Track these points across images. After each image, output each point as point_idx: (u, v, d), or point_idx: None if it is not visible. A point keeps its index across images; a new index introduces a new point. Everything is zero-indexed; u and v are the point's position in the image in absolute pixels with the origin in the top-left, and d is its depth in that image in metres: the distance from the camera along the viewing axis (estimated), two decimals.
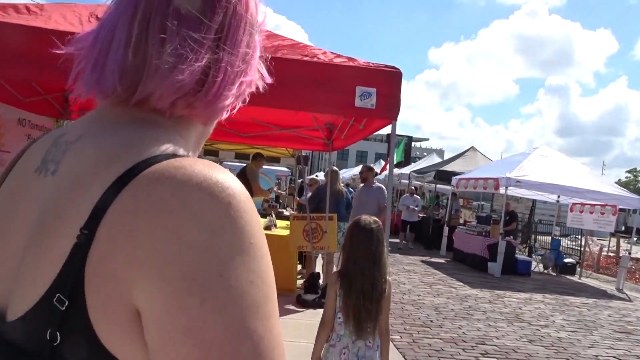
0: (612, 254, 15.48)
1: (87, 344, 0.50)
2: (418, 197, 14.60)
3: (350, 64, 3.15)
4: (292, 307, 5.99)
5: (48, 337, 0.50)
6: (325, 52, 3.29)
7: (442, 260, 12.59)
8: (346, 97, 3.10)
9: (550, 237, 13.83)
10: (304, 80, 3.05)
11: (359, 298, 2.43)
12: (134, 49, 0.58)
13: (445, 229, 13.94)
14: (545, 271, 12.55)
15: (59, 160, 0.60)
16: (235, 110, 0.69)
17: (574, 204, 12.69)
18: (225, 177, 0.53)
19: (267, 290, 0.52)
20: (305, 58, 3.06)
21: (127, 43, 0.59)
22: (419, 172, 17.63)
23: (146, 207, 0.50)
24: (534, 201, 15.88)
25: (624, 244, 14.88)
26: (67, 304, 0.50)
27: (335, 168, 7.69)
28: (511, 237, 11.98)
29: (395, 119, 3.21)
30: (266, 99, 3.15)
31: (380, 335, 2.58)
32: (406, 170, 19.06)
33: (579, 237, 14.12)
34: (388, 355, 2.64)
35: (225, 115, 0.68)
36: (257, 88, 0.70)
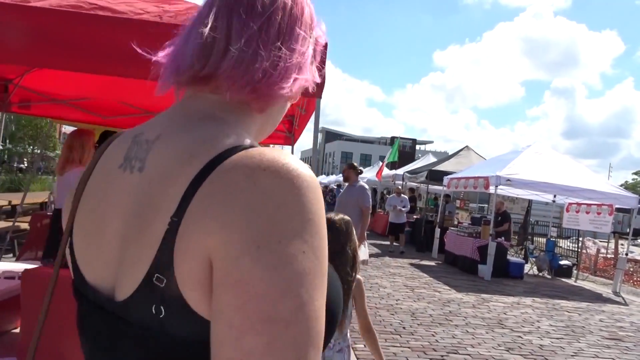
0: (611, 256, 14.92)
1: (183, 311, 0.58)
2: (406, 197, 14.00)
3: None
4: None
5: (154, 312, 0.59)
6: None
7: (432, 263, 12.09)
8: None
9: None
10: None
11: None
12: (209, 36, 0.70)
13: (437, 231, 13.44)
14: (540, 274, 12.03)
15: (144, 158, 0.68)
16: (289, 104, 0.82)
17: (570, 203, 12.19)
18: (290, 161, 0.60)
19: (317, 265, 0.57)
20: None
21: (202, 31, 0.70)
22: (412, 172, 17.14)
23: (221, 189, 0.58)
24: (529, 201, 15.35)
25: (624, 246, 14.31)
26: (165, 281, 0.58)
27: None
28: (503, 238, 11.47)
29: (320, 97, 2.79)
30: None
31: (363, 336, 2.54)
32: (400, 171, 18.62)
33: (580, 238, 13.60)
34: (380, 355, 2.53)
35: (279, 104, 0.76)
36: (307, 89, 0.76)
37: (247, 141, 0.67)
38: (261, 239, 0.55)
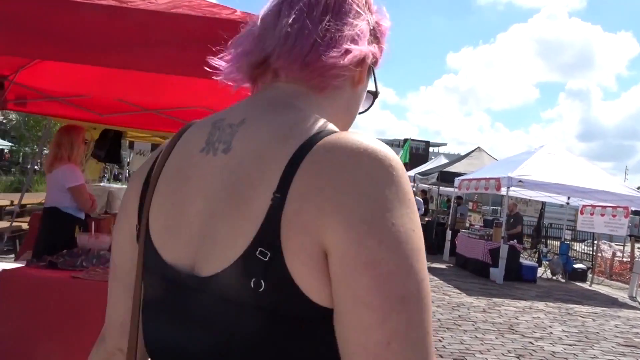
0: (627, 259, 14.50)
1: (284, 286, 0.59)
2: (420, 199, 13.76)
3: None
4: None
5: (252, 285, 0.59)
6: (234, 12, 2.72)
7: (443, 266, 11.84)
8: None
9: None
10: (194, 39, 2.49)
11: None
12: (262, 23, 0.76)
13: (449, 233, 13.18)
14: (554, 277, 11.71)
15: (229, 141, 0.70)
16: (340, 76, 0.74)
17: (585, 205, 11.86)
18: (384, 146, 0.62)
19: (422, 242, 0.60)
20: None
21: (255, 20, 0.78)
22: (423, 174, 16.89)
23: (328, 169, 0.60)
24: (543, 203, 15.00)
25: None
26: (269, 255, 0.59)
27: None
28: (515, 240, 11.18)
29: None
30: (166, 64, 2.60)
31: None
32: (411, 172, 18.36)
33: (595, 241, 13.23)
34: None
35: (337, 80, 0.74)
36: (362, 61, 0.76)
37: (333, 127, 0.69)
38: (378, 220, 0.57)
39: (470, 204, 20.78)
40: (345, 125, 0.81)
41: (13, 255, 6.57)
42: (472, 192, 12.76)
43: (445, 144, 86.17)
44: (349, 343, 0.57)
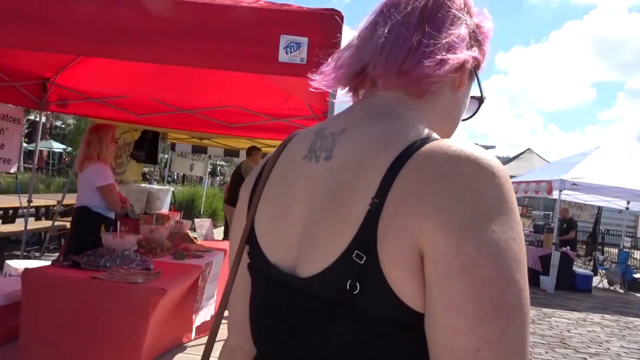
0: None
1: (379, 289, 0.61)
2: None
3: (272, 7, 2.42)
4: None
5: (348, 287, 0.62)
6: None
7: None
8: (265, 50, 2.37)
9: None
10: (207, 28, 2.36)
11: None
12: (360, 35, 0.79)
13: None
14: (611, 288, 10.99)
15: (331, 148, 0.73)
16: (437, 82, 0.75)
17: None
18: (486, 153, 0.62)
19: (523, 253, 0.60)
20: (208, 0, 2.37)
21: (355, 34, 0.81)
22: None
23: (427, 174, 0.61)
24: (599, 208, 14.18)
25: None
26: (365, 258, 0.61)
27: None
28: (568, 247, 10.56)
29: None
30: (162, 53, 2.49)
31: None
32: None
33: None
34: None
35: (434, 86, 0.75)
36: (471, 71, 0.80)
37: (434, 134, 0.69)
38: (477, 226, 0.57)
39: (520, 208, 19.99)
40: (448, 132, 0.81)
41: (57, 254, 6.72)
42: (521, 195, 12.18)
43: (494, 147, 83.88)
44: (437, 346, 0.58)
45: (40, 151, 28.05)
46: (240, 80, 4.48)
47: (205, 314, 4.21)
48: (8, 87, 4.68)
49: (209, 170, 12.24)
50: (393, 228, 0.60)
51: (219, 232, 6.68)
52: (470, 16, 0.79)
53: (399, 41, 0.73)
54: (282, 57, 2.36)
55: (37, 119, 4.99)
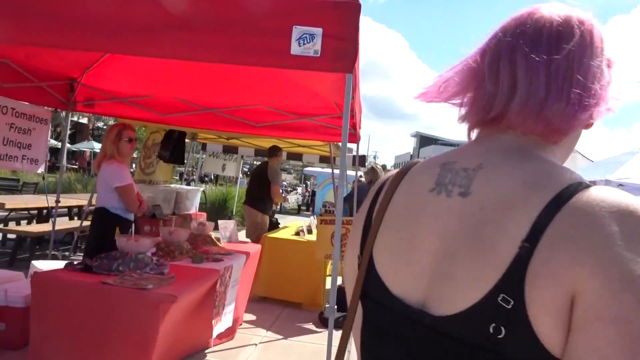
0: None
1: (526, 337, 0.59)
2: None
3: None
4: (312, 326, 5.10)
5: (492, 331, 0.60)
6: None
7: None
8: (277, 42, 2.20)
9: None
10: (215, 19, 2.22)
11: None
12: (494, 81, 0.75)
13: None
14: None
15: (467, 185, 0.71)
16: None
17: None
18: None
19: None
20: None
21: (487, 79, 0.76)
22: None
23: (587, 222, 0.59)
24: None
25: None
26: (512, 303, 0.60)
27: (377, 165, 6.70)
28: None
29: (351, 71, 2.24)
30: (165, 48, 2.35)
31: None
32: None
33: None
34: None
35: (574, 132, 0.78)
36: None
37: (584, 179, 0.69)
38: (635, 279, 0.56)
39: None
40: (562, 160, 0.80)
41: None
42: None
43: None
44: None
45: (83, 152, 28.94)
46: (265, 77, 4.35)
47: (227, 320, 4.09)
48: (35, 87, 4.72)
49: (245, 170, 12.16)
50: (545, 274, 0.59)
51: (244, 234, 6.55)
52: (604, 52, 0.75)
53: (546, 94, 0.70)
54: (295, 49, 2.19)
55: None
